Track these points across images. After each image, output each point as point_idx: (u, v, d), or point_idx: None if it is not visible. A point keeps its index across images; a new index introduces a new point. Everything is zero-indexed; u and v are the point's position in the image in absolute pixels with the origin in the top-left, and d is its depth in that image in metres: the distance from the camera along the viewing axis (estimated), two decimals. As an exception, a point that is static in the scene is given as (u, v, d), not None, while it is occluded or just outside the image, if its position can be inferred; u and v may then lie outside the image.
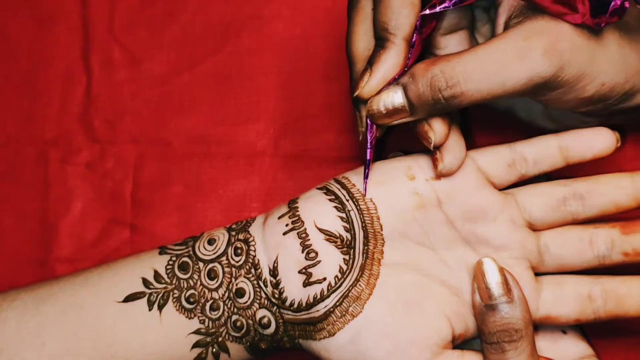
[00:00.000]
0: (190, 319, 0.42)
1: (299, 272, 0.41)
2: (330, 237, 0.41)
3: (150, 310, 0.42)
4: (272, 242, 0.42)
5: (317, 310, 0.41)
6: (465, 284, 0.42)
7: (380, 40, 0.40)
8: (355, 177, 0.43)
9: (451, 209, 0.42)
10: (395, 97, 0.39)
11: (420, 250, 0.42)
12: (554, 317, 0.42)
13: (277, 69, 0.53)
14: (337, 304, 0.41)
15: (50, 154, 0.54)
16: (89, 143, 0.54)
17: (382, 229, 0.42)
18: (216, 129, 0.53)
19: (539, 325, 0.44)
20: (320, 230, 0.42)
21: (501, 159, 0.43)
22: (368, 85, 0.40)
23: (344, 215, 0.42)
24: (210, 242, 0.43)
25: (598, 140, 0.42)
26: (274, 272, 0.42)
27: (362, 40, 0.41)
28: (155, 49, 0.54)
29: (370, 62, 0.40)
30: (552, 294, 0.42)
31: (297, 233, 0.42)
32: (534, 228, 0.43)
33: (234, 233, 0.43)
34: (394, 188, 0.42)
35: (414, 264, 0.42)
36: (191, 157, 0.53)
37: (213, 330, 0.42)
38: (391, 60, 0.40)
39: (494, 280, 0.40)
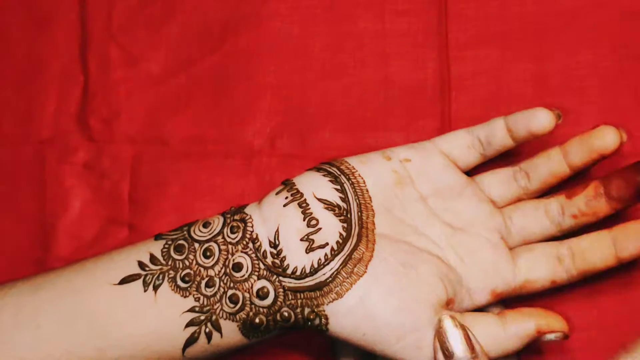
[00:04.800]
0: (185, 297, 0.42)
1: (301, 239, 0.42)
2: (329, 205, 0.43)
3: (145, 291, 0.42)
4: (271, 214, 0.43)
5: (324, 274, 0.42)
6: (448, 255, 0.45)
7: None
8: (343, 158, 0.46)
9: (423, 187, 0.46)
10: None
11: (403, 224, 0.45)
12: (532, 281, 0.45)
13: (275, 68, 0.53)
14: (342, 265, 0.42)
15: (47, 153, 0.54)
16: (85, 142, 0.54)
17: (371, 201, 0.44)
18: (213, 129, 0.53)
19: (518, 296, 0.46)
20: (320, 199, 0.43)
21: (461, 143, 0.47)
22: None
23: (338, 187, 0.44)
24: (206, 225, 0.44)
25: (536, 119, 0.45)
26: (274, 242, 0.43)
27: None
28: (153, 49, 0.54)
29: None
30: (525, 260, 0.46)
31: (298, 203, 0.43)
32: (495, 205, 0.47)
33: (229, 215, 0.44)
34: (376, 166, 0.45)
35: (401, 236, 0.44)
36: (188, 157, 0.53)
37: (207, 307, 0.42)
38: None
39: (455, 339, 0.41)
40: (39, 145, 0.54)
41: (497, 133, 0.46)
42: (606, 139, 0.44)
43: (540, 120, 0.45)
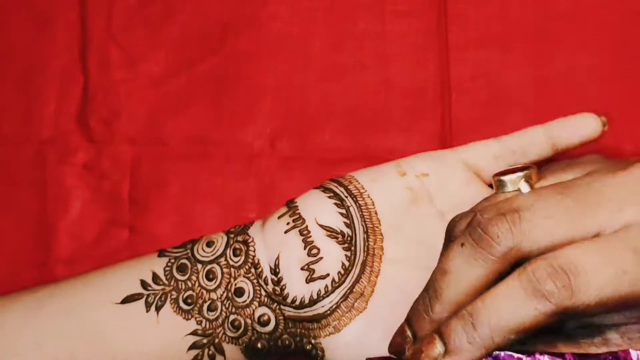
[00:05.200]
0: (187, 320, 0.42)
1: (302, 269, 0.41)
2: (331, 232, 0.42)
3: (147, 311, 0.42)
4: (273, 240, 0.42)
5: (322, 306, 0.41)
6: None
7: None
8: (353, 174, 0.44)
9: (442, 203, 0.43)
10: None
11: (418, 245, 0.43)
12: None
13: (275, 70, 0.53)
14: (343, 299, 0.41)
15: (47, 154, 0.54)
16: (85, 143, 0.54)
17: (380, 224, 0.42)
18: (213, 130, 0.53)
19: None
20: (322, 226, 0.42)
21: (488, 152, 0.44)
22: None
23: (343, 211, 0.42)
24: (209, 244, 0.43)
25: (584, 126, 0.43)
26: (275, 269, 0.42)
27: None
28: (153, 49, 0.54)
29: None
30: None
31: (299, 230, 0.42)
32: None
33: (232, 235, 0.43)
34: (387, 184, 0.43)
35: (414, 260, 0.42)
36: (188, 158, 0.53)
37: (210, 331, 0.42)
38: None
39: None
40: (39, 146, 0.54)
41: (537, 140, 0.43)
42: (586, 125, 0.43)
43: (593, 126, 0.43)
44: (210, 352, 0.42)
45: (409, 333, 0.35)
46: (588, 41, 0.52)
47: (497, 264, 0.33)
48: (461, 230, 0.35)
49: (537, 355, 0.33)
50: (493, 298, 0.32)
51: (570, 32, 0.52)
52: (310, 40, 0.53)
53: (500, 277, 0.33)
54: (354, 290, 0.41)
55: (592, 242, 0.32)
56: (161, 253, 0.44)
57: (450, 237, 0.36)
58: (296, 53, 0.53)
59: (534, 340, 0.34)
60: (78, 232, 0.53)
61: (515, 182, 0.36)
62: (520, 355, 0.33)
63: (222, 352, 0.42)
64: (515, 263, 0.33)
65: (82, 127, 0.54)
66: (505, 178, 0.36)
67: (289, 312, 0.41)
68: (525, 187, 0.36)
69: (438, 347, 0.33)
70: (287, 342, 0.42)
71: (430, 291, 0.34)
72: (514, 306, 0.32)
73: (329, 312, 0.41)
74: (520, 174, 0.36)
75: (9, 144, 0.54)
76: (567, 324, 0.35)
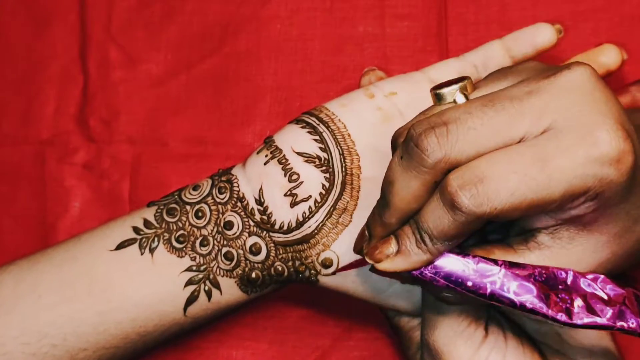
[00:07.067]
0: (181, 257, 0.43)
1: (285, 195, 0.43)
2: (308, 158, 0.43)
3: (142, 254, 0.43)
4: (254, 174, 0.44)
5: (309, 227, 0.42)
6: None
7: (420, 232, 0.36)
8: (324, 104, 0.45)
9: (412, 117, 0.44)
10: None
11: None
12: None
13: (274, 71, 0.53)
14: (327, 216, 0.42)
15: (47, 153, 0.54)
16: (85, 143, 0.54)
17: (354, 145, 0.44)
18: (213, 130, 0.53)
19: None
20: (299, 153, 0.43)
21: (452, 69, 0.45)
22: (391, 264, 0.37)
23: (317, 137, 0.44)
24: (195, 188, 0.45)
25: (538, 35, 0.45)
26: (260, 200, 0.43)
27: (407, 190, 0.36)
28: (153, 50, 0.54)
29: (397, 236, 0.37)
30: None
31: (278, 160, 0.43)
32: None
33: (216, 177, 0.45)
34: (357, 107, 0.44)
35: None
36: (188, 158, 0.53)
37: (204, 266, 0.43)
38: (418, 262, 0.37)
39: None
40: (39, 146, 0.54)
41: (495, 55, 0.45)
42: (610, 55, 0.46)
43: (546, 34, 0.45)
44: (206, 288, 0.43)
45: (367, 234, 0.38)
46: (587, 43, 0.52)
47: (430, 175, 0.35)
48: (400, 143, 0.37)
49: (470, 256, 0.36)
50: (425, 209, 0.35)
51: (570, 34, 0.52)
52: (310, 42, 0.53)
53: (438, 184, 0.36)
54: (337, 207, 0.43)
55: (504, 152, 0.34)
56: (150, 204, 0.45)
57: (394, 148, 0.38)
58: (295, 54, 0.54)
59: (474, 248, 0.37)
60: (78, 232, 0.53)
61: (451, 94, 0.37)
62: (455, 255, 0.36)
63: (217, 287, 0.43)
64: (449, 171, 0.35)
65: (82, 127, 0.54)
66: (441, 91, 0.37)
67: (278, 238, 0.43)
68: (460, 98, 0.37)
69: (392, 247, 0.37)
70: (279, 268, 0.43)
71: (382, 198, 0.37)
72: (438, 217, 0.35)
73: (316, 231, 0.42)
74: (456, 86, 0.37)
75: (9, 143, 0.54)
76: (510, 232, 0.38)
